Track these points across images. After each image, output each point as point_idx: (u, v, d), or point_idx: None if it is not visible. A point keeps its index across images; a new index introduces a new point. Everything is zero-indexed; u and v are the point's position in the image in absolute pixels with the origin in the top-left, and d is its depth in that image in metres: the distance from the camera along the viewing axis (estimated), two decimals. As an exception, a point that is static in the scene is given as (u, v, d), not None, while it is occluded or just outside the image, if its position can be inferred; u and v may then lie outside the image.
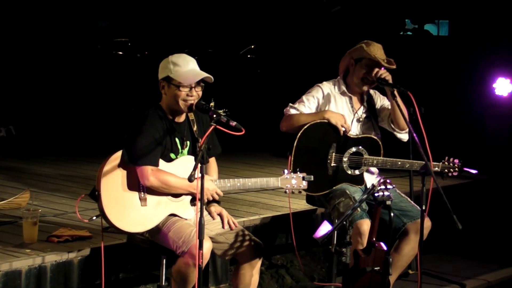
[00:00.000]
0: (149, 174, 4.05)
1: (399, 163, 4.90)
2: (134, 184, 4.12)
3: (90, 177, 6.50)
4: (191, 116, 4.30)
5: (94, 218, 4.26)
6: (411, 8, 10.39)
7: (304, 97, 5.00)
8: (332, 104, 4.97)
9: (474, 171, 4.86)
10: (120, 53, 10.71)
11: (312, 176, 4.38)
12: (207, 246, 4.03)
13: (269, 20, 11.11)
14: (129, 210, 4.10)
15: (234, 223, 4.34)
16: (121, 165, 4.10)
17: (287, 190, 4.36)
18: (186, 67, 4.14)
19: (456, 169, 4.87)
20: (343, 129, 4.85)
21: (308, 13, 10.70)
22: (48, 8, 10.76)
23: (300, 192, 4.41)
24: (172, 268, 4.13)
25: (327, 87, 5.01)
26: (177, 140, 4.23)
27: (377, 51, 4.88)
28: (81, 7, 11.03)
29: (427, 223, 4.76)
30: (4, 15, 10.33)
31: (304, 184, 4.36)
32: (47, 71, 10.35)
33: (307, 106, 4.95)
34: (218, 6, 11.48)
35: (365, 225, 4.67)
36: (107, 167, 4.07)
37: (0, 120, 5.98)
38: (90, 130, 9.38)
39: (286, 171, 4.37)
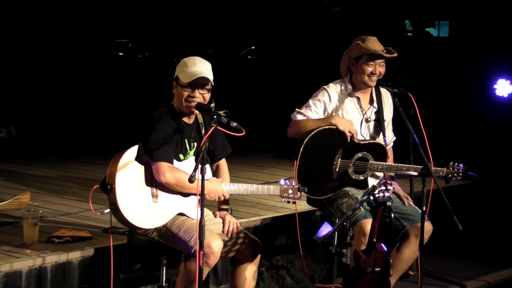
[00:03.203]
0: (166, 171, 4.05)
1: (404, 168, 4.84)
2: (148, 179, 4.12)
3: (91, 178, 6.50)
4: (201, 118, 4.32)
5: (106, 211, 4.21)
6: (411, 11, 10.37)
7: (310, 101, 4.90)
8: (340, 106, 4.89)
9: (477, 176, 4.85)
10: (121, 54, 10.73)
11: (306, 188, 4.46)
12: (218, 244, 4.04)
13: (270, 21, 11.10)
14: (141, 206, 4.09)
15: (237, 227, 4.33)
16: (136, 160, 4.10)
17: (284, 199, 4.42)
18: (192, 68, 4.15)
19: (460, 173, 4.84)
20: (350, 135, 4.79)
21: (308, 14, 10.70)
22: (47, 8, 10.76)
23: (294, 202, 4.45)
24: (180, 268, 4.12)
25: (333, 89, 4.92)
26: (185, 140, 4.24)
27: (374, 44, 4.83)
28: (80, 6, 11.03)
29: (428, 226, 4.73)
30: (3, 15, 10.34)
31: (299, 195, 4.42)
32: (47, 72, 10.36)
33: (313, 110, 4.86)
34: (219, 7, 11.48)
35: (369, 225, 4.64)
36: (121, 161, 4.07)
37: (1, 121, 5.97)
38: (90, 131, 9.38)
39: (282, 181, 4.41)
